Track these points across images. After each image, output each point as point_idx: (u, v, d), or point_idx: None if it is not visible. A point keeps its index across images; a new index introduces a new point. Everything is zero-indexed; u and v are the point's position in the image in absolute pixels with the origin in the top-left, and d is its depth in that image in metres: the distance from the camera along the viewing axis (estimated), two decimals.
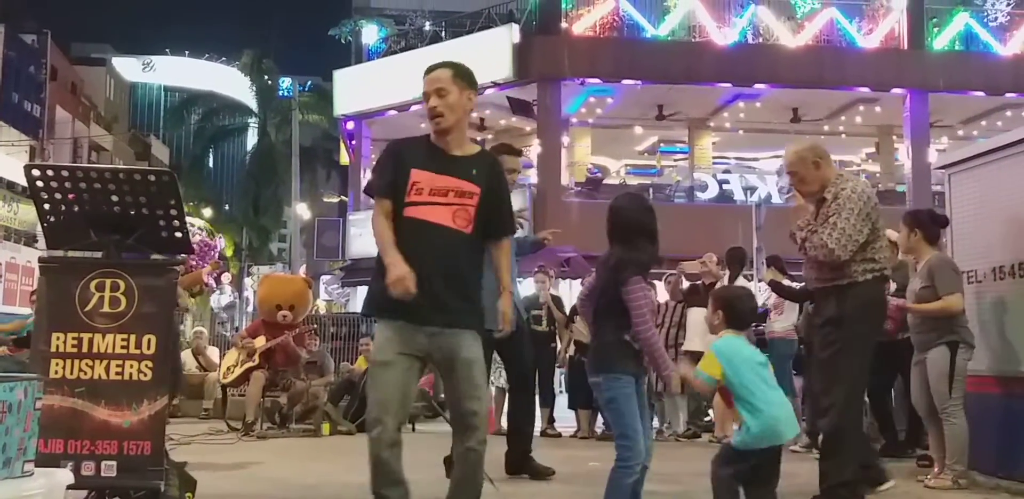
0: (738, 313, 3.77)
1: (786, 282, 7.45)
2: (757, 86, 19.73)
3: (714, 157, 22.51)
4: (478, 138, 23.44)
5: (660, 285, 8.91)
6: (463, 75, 3.66)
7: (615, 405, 3.56)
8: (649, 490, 3.71)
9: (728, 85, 19.73)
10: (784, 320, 7.69)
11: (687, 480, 5.15)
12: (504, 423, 8.79)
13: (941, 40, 20.37)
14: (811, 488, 5.17)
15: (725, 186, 20.07)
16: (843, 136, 23.02)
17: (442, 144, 3.65)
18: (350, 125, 23.49)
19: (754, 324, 6.71)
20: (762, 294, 7.66)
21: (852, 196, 4.46)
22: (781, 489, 5.06)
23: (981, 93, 20.11)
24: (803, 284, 7.40)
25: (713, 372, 3.57)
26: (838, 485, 4.46)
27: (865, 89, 19.92)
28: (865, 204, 4.46)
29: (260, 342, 8.46)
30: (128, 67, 40.84)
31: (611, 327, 3.61)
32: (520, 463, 5.46)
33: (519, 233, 5.57)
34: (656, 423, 8.26)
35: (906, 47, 20.22)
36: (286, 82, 32.03)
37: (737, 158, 24.04)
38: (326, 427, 8.42)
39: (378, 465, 3.45)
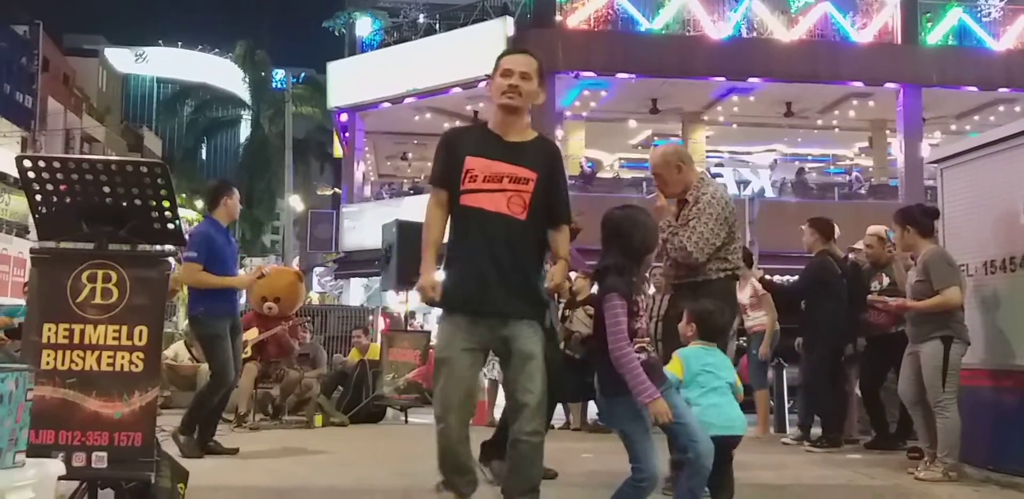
0: (709, 327, 3.95)
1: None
2: (751, 80, 19.74)
3: (708, 151, 22.52)
4: None
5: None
6: (543, 73, 3.74)
7: (629, 423, 3.44)
8: None
9: (722, 79, 19.72)
10: (762, 316, 7.69)
11: None
12: (497, 415, 8.83)
13: (934, 35, 20.40)
14: (801, 479, 5.21)
15: (718, 180, 20.02)
16: (836, 130, 23.07)
17: (499, 130, 3.67)
18: (344, 117, 23.44)
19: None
20: (744, 290, 7.67)
21: (712, 201, 4.61)
22: (772, 479, 5.12)
23: (974, 88, 20.14)
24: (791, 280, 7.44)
25: (676, 372, 3.82)
26: None
27: (858, 83, 19.94)
28: (723, 209, 4.62)
29: (253, 334, 8.44)
30: (121, 58, 40.71)
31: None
32: None
33: None
34: None
35: (899, 42, 20.25)
36: (279, 74, 31.99)
37: (730, 152, 24.08)
38: (319, 419, 8.43)
39: (445, 455, 3.56)
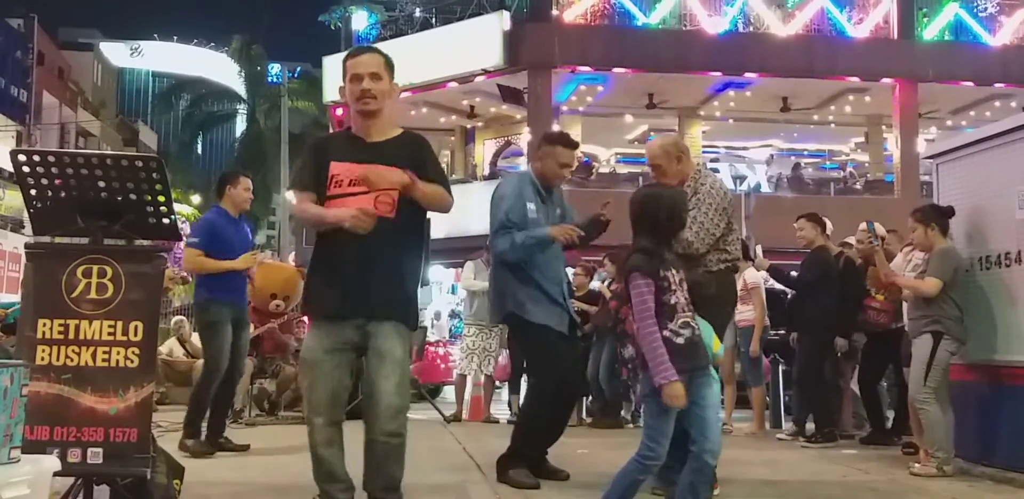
0: (696, 296, 3.83)
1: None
2: (747, 75, 19.71)
3: (704, 146, 22.47)
4: (468, 126, 23.42)
5: None
6: (392, 65, 3.66)
7: (650, 402, 3.43)
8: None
9: (718, 74, 19.69)
10: (748, 311, 7.68)
11: None
12: (493, 412, 8.82)
13: (931, 30, 20.38)
14: (796, 474, 5.21)
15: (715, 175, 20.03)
16: (832, 125, 23.05)
17: (362, 133, 3.64)
18: (340, 112, 23.36)
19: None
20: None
21: (712, 192, 4.63)
22: (767, 475, 5.12)
23: (970, 83, 20.13)
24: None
25: None
26: None
27: (855, 79, 19.91)
28: (722, 200, 4.64)
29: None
30: (116, 52, 40.49)
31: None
32: (535, 465, 4.92)
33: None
34: None
35: (896, 37, 20.22)
36: (275, 68, 31.81)
37: (727, 147, 24.04)
38: None
39: (315, 461, 3.54)
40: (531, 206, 4.83)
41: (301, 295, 9.07)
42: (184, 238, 5.32)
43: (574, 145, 5.09)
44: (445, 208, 3.62)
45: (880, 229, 6.89)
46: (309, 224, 3.61)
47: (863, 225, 6.98)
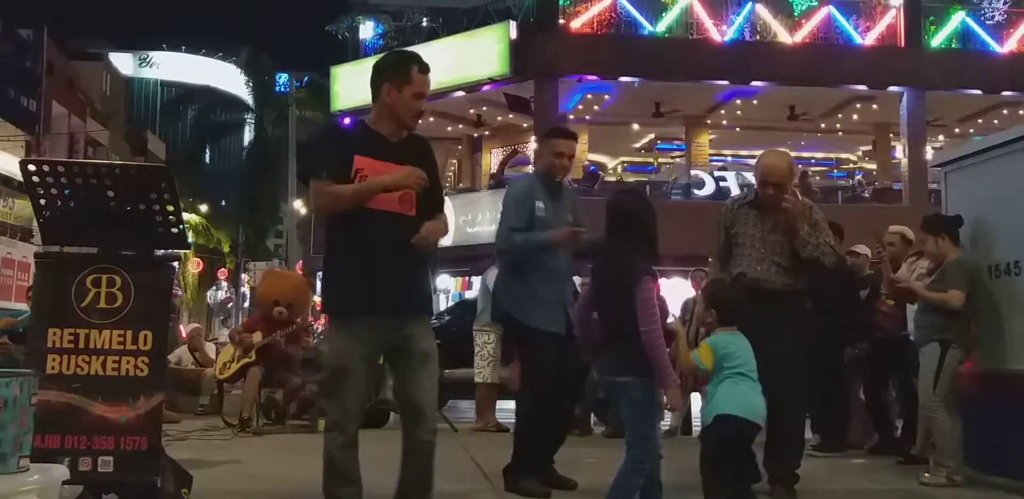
0: (728, 311, 4.06)
1: None
2: (754, 83, 19.72)
3: (711, 154, 22.50)
4: (475, 135, 23.45)
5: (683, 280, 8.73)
6: None
7: (646, 406, 3.56)
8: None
9: (725, 82, 19.71)
10: None
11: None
12: (498, 418, 8.79)
13: (938, 38, 20.37)
14: (804, 483, 5.19)
15: (722, 183, 20.03)
16: (840, 134, 23.04)
17: (383, 130, 3.62)
18: (347, 121, 23.41)
19: None
20: None
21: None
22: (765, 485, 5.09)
23: (978, 91, 20.10)
24: None
25: (707, 362, 3.88)
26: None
27: (862, 87, 19.91)
28: None
29: (257, 337, 8.44)
30: (125, 62, 40.84)
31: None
32: (543, 474, 4.88)
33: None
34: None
35: (903, 45, 20.22)
36: (283, 78, 31.96)
37: (734, 155, 24.05)
38: (322, 423, 8.40)
39: (332, 465, 3.54)
40: (540, 204, 4.87)
41: (310, 303, 9.02)
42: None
43: (571, 135, 5.16)
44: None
45: (908, 232, 6.82)
46: (346, 201, 3.44)
47: (894, 228, 6.95)
